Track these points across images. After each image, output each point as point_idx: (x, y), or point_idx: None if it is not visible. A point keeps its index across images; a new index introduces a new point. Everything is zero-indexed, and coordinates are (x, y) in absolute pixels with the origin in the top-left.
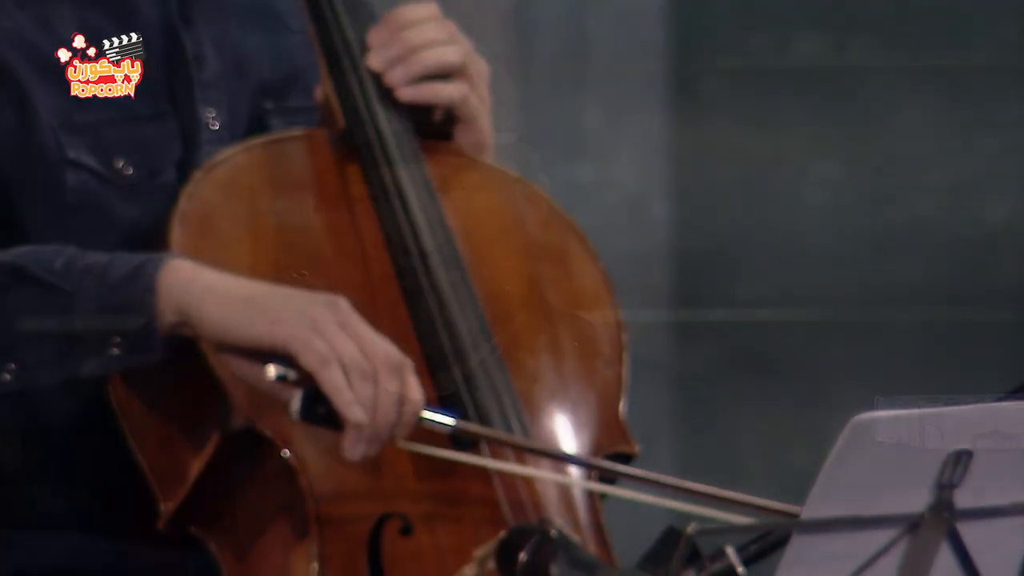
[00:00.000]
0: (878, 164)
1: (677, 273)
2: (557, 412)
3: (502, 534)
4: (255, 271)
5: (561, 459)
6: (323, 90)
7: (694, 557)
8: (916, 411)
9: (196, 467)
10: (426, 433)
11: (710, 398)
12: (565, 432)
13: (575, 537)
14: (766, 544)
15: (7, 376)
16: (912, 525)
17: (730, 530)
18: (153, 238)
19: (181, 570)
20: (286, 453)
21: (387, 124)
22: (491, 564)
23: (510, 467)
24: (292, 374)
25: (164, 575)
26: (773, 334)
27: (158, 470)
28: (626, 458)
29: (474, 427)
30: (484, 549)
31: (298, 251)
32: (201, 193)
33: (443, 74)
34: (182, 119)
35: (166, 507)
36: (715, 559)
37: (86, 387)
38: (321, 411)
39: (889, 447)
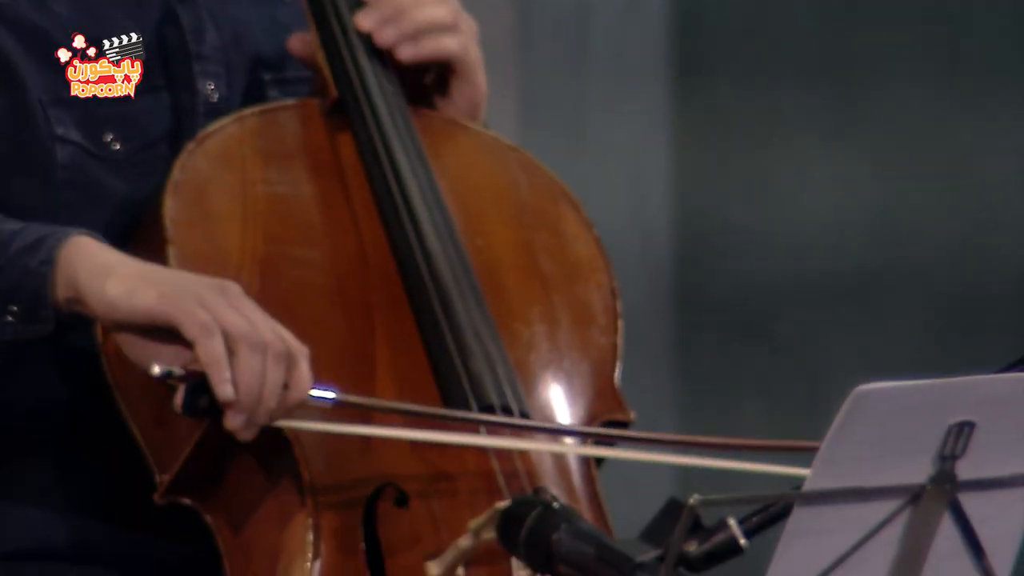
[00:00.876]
0: (880, 151)
1: (677, 247)
2: (552, 380)
3: (499, 505)
4: (246, 241)
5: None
6: (314, 56)
7: (696, 528)
8: (918, 382)
9: (191, 440)
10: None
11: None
12: (560, 400)
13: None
14: (768, 516)
15: None
16: (914, 496)
17: (732, 502)
18: (145, 210)
19: (178, 544)
20: (280, 424)
21: (377, 89)
22: (486, 534)
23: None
24: (177, 371)
25: (161, 548)
26: (774, 307)
27: (153, 443)
28: (621, 426)
29: (355, 398)
30: (479, 520)
31: (290, 221)
32: (193, 164)
33: (436, 31)
34: (177, 93)
35: (162, 479)
36: (717, 531)
37: (81, 361)
38: (203, 404)
39: (891, 418)
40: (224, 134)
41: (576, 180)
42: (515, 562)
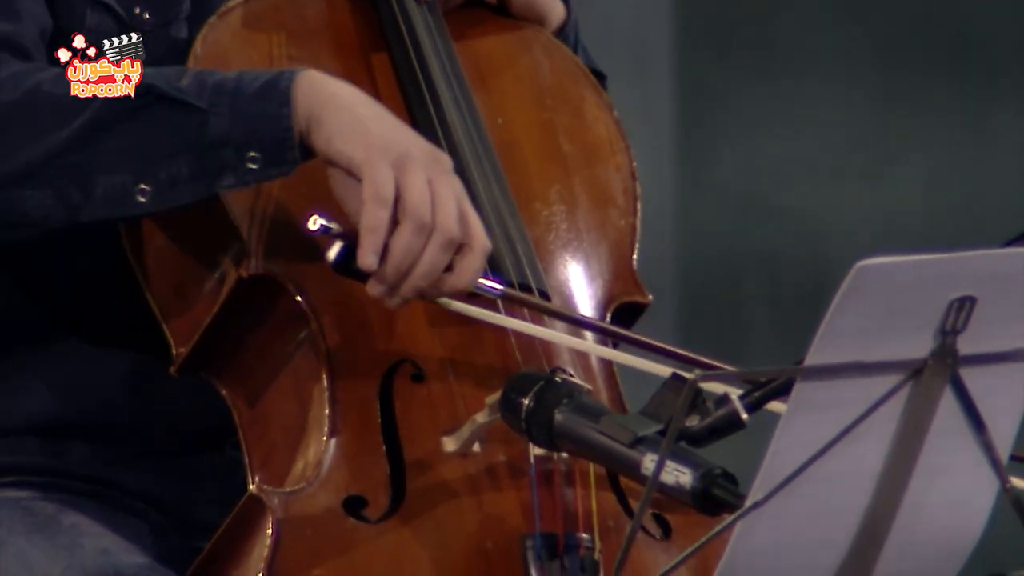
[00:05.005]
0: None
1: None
2: (571, 261)
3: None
4: None
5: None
6: None
7: (698, 403)
8: (920, 257)
9: (209, 312)
10: None
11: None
12: (578, 280)
13: (581, 383)
14: (770, 391)
15: (141, 198)
16: (915, 371)
17: (734, 377)
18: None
19: (194, 417)
20: (299, 298)
21: None
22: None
23: (542, 331)
24: (335, 227)
25: (176, 422)
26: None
27: (171, 316)
28: (639, 308)
29: (518, 295)
30: (496, 396)
31: None
32: (215, 37)
33: None
34: None
35: (179, 352)
36: (719, 405)
37: (99, 232)
38: (355, 266)
39: (892, 293)
40: (247, 9)
41: None
42: None
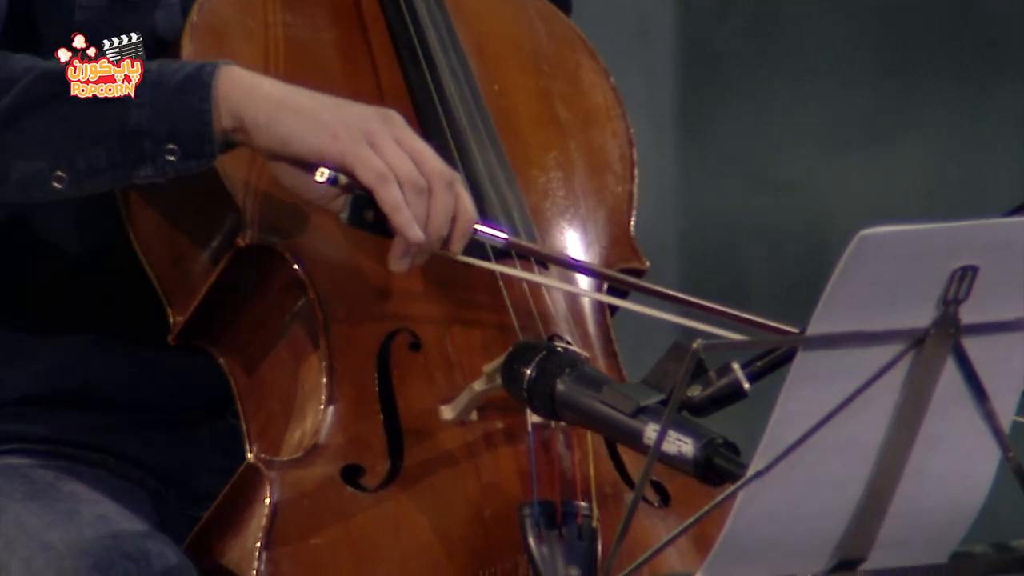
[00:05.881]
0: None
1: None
2: (567, 226)
3: (510, 349)
4: None
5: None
6: None
7: (700, 373)
8: (922, 226)
9: (207, 281)
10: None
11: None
12: (575, 246)
13: (582, 352)
14: (772, 360)
15: (56, 184)
16: (917, 340)
17: (736, 346)
18: (161, 54)
19: (194, 383)
20: (296, 267)
21: None
22: (499, 379)
23: (555, 282)
24: (343, 178)
25: (174, 391)
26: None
27: (169, 284)
28: (636, 274)
29: (525, 243)
30: (493, 364)
31: (308, 64)
32: (211, 6)
33: None
34: None
35: (176, 321)
36: (720, 375)
37: (97, 200)
38: (369, 216)
39: (895, 262)
40: None
41: None
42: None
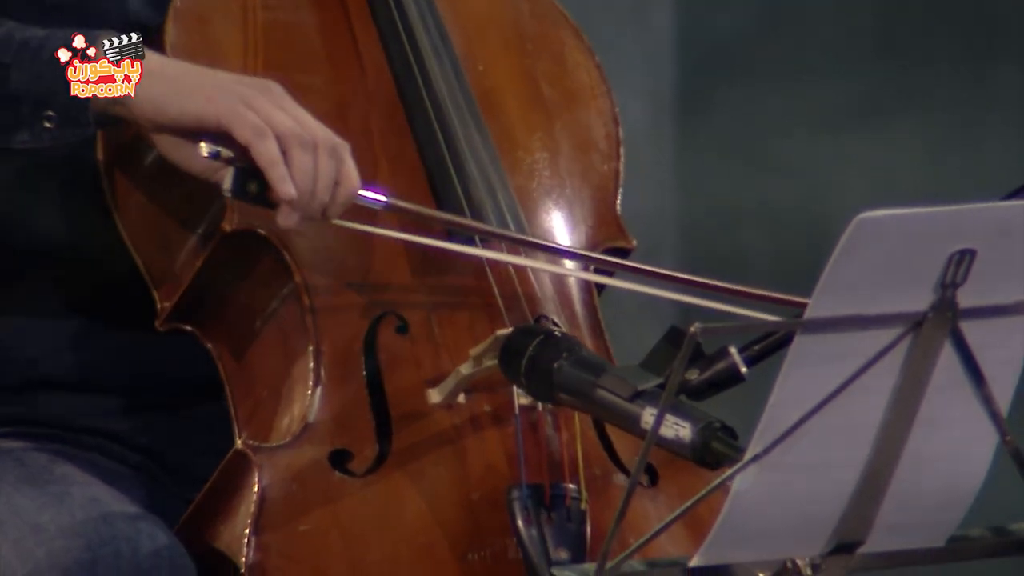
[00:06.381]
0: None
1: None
2: (553, 207)
3: (500, 332)
4: (247, 67)
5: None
6: None
7: (697, 357)
8: (920, 210)
9: (193, 267)
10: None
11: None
12: (561, 227)
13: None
14: (769, 344)
15: None
16: (915, 324)
17: (733, 329)
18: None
19: (186, 367)
20: (283, 252)
21: None
22: (487, 361)
23: (467, 249)
24: (226, 152)
25: (163, 376)
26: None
27: (155, 269)
28: (623, 253)
29: (406, 204)
30: (480, 346)
31: (291, 47)
32: None
33: None
34: None
35: (163, 306)
36: (718, 358)
37: (83, 187)
38: (253, 189)
39: (893, 246)
40: None
41: None
42: (516, 389)
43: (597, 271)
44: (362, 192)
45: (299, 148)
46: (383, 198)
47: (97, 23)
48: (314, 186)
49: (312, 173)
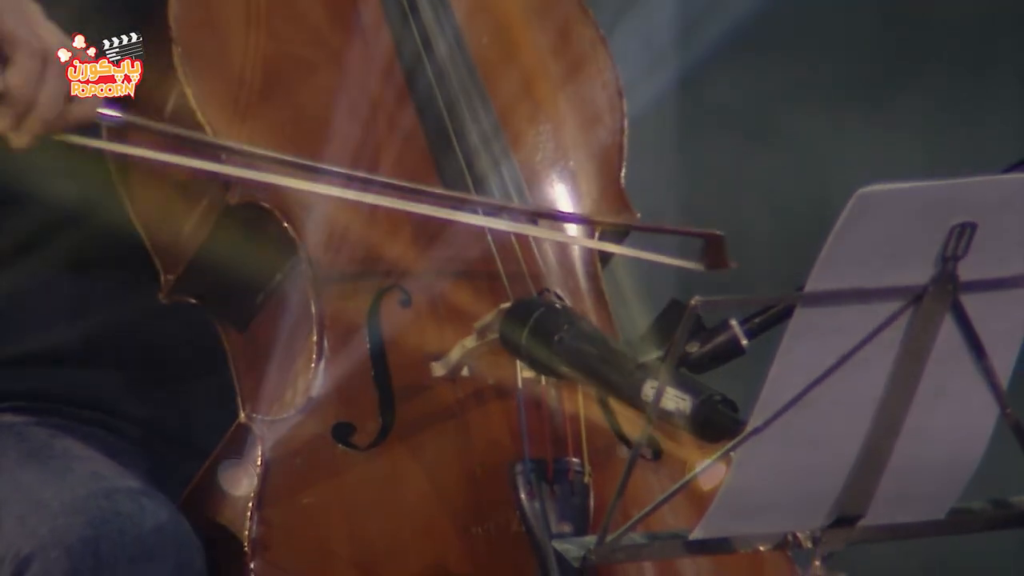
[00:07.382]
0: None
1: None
2: (557, 180)
3: (503, 306)
4: (251, 41)
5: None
6: None
7: (698, 329)
8: (920, 184)
9: (197, 239)
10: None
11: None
12: (565, 201)
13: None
14: (770, 317)
15: None
16: (916, 297)
17: (734, 303)
18: (151, 12)
19: (190, 340)
20: (286, 225)
21: None
22: (491, 335)
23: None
24: None
25: (174, 345)
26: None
27: (159, 242)
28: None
29: (141, 120)
30: (484, 320)
31: (296, 21)
32: None
33: None
34: None
35: (167, 279)
36: (719, 331)
37: (88, 160)
38: None
39: (893, 219)
40: None
41: None
42: (519, 363)
43: (602, 238)
44: (101, 110)
45: (26, 53)
46: (118, 115)
47: None
48: (35, 94)
49: (35, 80)
